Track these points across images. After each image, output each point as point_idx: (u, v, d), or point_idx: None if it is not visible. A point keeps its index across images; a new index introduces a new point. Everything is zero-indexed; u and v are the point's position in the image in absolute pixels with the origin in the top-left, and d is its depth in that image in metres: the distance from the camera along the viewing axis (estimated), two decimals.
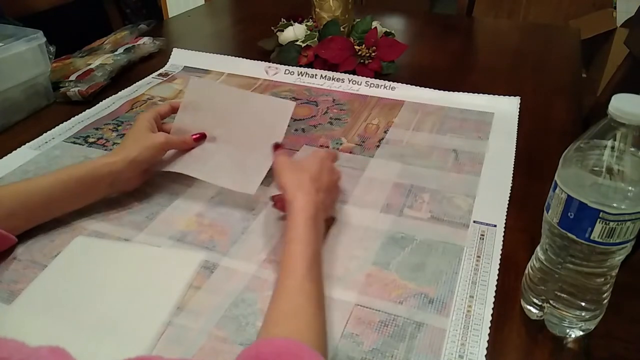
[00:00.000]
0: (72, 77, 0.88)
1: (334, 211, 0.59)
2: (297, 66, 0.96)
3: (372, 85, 0.90)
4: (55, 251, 0.54)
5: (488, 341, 0.45)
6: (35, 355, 0.27)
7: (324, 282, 0.46)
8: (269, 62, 0.98)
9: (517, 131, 0.77)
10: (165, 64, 1.00)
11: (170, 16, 1.77)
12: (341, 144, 0.74)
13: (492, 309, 0.48)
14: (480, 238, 0.56)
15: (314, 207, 0.49)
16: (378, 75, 0.93)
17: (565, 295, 0.44)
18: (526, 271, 0.49)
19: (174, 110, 0.68)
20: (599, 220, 0.39)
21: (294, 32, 0.99)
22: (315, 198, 0.49)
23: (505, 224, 0.58)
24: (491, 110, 0.82)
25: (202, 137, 0.66)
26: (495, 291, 0.50)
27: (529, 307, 0.47)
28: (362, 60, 0.95)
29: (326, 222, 0.55)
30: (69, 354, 0.29)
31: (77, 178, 0.56)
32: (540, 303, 0.46)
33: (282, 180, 0.52)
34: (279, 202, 0.57)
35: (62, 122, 0.79)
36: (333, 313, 0.48)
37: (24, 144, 0.73)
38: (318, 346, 0.39)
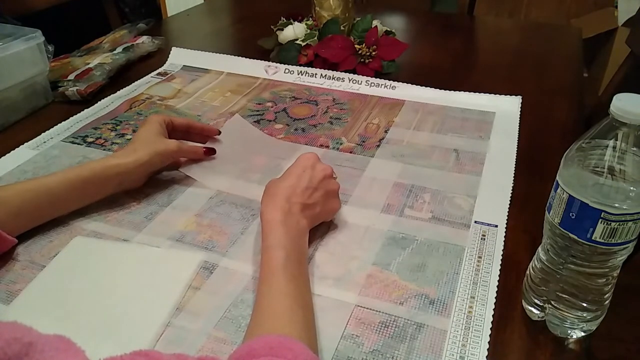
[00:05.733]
0: (71, 77, 0.88)
1: (336, 203, 0.57)
2: (297, 65, 0.95)
3: (372, 84, 0.89)
4: (54, 252, 0.54)
5: (489, 342, 0.45)
6: (43, 339, 0.29)
7: (305, 280, 0.47)
8: (269, 61, 0.97)
9: (519, 131, 0.77)
10: (164, 63, 1.00)
11: (169, 15, 1.76)
12: (341, 143, 0.74)
13: (493, 309, 0.48)
14: (481, 238, 0.56)
15: (281, 214, 0.50)
16: (378, 74, 0.93)
17: (566, 296, 0.44)
18: (527, 272, 0.48)
19: (189, 128, 0.68)
20: (600, 220, 0.39)
21: (294, 31, 0.99)
22: (282, 205, 0.51)
23: (507, 224, 0.58)
24: (492, 109, 0.82)
25: (212, 151, 0.67)
26: (497, 292, 0.49)
27: (530, 307, 0.47)
28: (362, 60, 0.94)
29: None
30: (73, 342, 0.31)
31: (85, 178, 0.57)
32: (541, 304, 0.46)
33: (261, 201, 0.53)
34: None
35: (60, 122, 0.79)
36: (333, 314, 0.47)
37: (23, 144, 0.73)
38: (301, 340, 0.39)
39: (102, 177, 0.57)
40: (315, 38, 0.97)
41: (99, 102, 0.85)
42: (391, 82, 0.89)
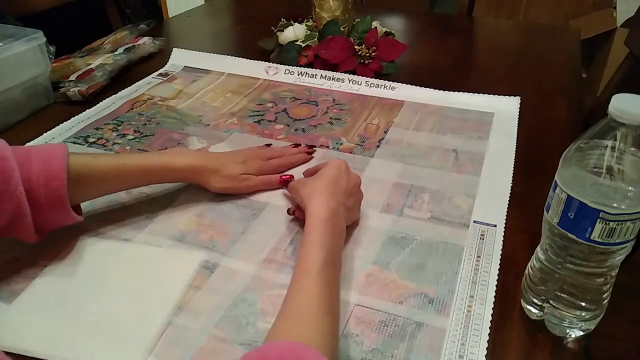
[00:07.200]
0: (72, 77, 0.88)
1: (359, 212, 0.58)
2: (297, 66, 0.96)
3: (372, 85, 0.90)
4: (56, 251, 0.54)
5: (488, 341, 0.45)
6: None
7: (337, 286, 0.45)
8: (269, 62, 0.98)
9: (517, 131, 0.77)
10: (165, 63, 1.00)
11: (170, 16, 1.77)
12: (341, 144, 0.74)
13: (492, 309, 0.48)
14: (480, 238, 0.56)
15: (329, 211, 0.49)
16: (378, 75, 0.93)
17: (565, 295, 0.44)
18: (526, 271, 0.49)
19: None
20: (599, 220, 0.39)
21: (294, 32, 0.99)
22: (330, 201, 0.50)
23: (505, 224, 0.58)
24: (491, 110, 0.82)
25: (289, 179, 0.63)
26: (495, 291, 0.50)
27: (529, 307, 0.47)
28: (362, 60, 0.95)
29: (351, 225, 0.57)
30: None
31: (160, 178, 0.60)
32: (540, 303, 0.46)
33: (300, 192, 0.53)
34: (298, 212, 0.58)
35: (62, 122, 0.79)
36: None
37: (24, 144, 0.73)
38: (323, 348, 0.38)
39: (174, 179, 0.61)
40: (315, 39, 0.98)
41: (100, 103, 0.85)
42: (391, 82, 0.89)
